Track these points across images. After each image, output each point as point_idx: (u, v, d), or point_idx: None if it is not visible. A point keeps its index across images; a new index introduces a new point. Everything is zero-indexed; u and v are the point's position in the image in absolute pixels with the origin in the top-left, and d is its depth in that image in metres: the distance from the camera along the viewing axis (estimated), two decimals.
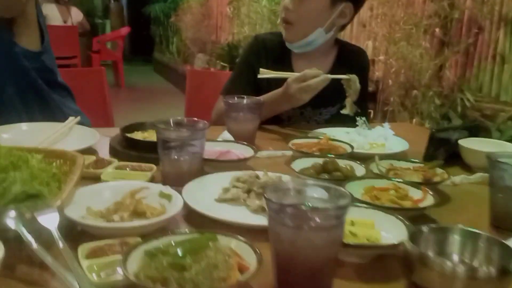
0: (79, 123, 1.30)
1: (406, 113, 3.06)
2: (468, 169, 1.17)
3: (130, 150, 1.08)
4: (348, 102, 1.36)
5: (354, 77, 1.37)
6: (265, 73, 1.41)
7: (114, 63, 7.72)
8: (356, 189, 0.88)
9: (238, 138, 1.20)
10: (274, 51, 1.58)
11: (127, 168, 0.97)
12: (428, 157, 1.16)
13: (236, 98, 1.29)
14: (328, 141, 1.19)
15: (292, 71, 1.55)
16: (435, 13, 2.99)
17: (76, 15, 7.01)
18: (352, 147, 1.15)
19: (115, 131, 1.21)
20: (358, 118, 1.35)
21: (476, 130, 1.25)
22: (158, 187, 0.82)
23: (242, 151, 1.10)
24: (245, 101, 1.28)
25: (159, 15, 9.36)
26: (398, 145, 1.27)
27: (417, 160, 1.07)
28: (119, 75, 7.65)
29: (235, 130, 1.23)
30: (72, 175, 0.77)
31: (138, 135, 1.17)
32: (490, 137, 2.49)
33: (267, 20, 5.09)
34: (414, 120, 3.01)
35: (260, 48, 1.59)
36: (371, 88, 3.29)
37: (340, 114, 1.54)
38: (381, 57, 3.30)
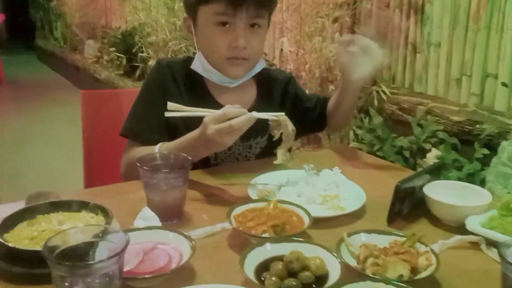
0: None
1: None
2: (436, 220, 1.01)
3: (11, 263, 0.76)
4: (281, 150, 1.11)
5: (284, 119, 1.11)
6: (174, 109, 1.10)
7: None
8: None
9: (163, 212, 0.93)
10: (184, 80, 1.31)
11: None
12: (393, 215, 0.99)
13: (154, 157, 1.01)
14: (277, 207, 0.95)
15: (216, 103, 1.29)
16: (344, 1, 2.86)
17: None
18: (308, 214, 0.93)
19: None
20: (305, 165, 1.13)
21: (436, 171, 1.10)
22: None
23: (172, 243, 0.83)
24: (168, 163, 1.00)
25: None
26: (353, 194, 1.08)
27: (390, 231, 0.89)
28: None
29: (158, 204, 0.95)
30: None
31: (23, 232, 0.84)
32: (412, 133, 2.45)
33: (163, 5, 4.69)
34: None
35: (166, 75, 1.30)
36: None
37: (271, 145, 1.32)
38: (292, 49, 3.12)
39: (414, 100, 2.60)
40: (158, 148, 1.14)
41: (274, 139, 1.13)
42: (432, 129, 2.33)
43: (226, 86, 1.30)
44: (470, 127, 2.29)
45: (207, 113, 1.07)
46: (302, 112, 1.42)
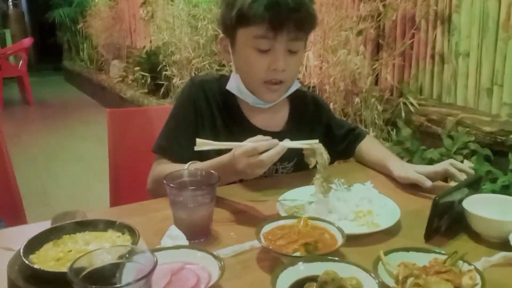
0: None
1: (349, 121, 2.88)
2: (476, 236, 0.96)
3: (38, 286, 0.75)
4: (317, 181, 1.05)
5: (318, 147, 1.06)
6: (202, 144, 1.06)
7: (19, 78, 6.96)
8: None
9: (190, 231, 0.91)
10: (217, 99, 1.29)
11: None
12: (431, 232, 0.93)
13: (181, 175, 0.99)
14: (308, 224, 0.92)
15: (248, 123, 1.28)
16: (368, 14, 2.82)
17: None
18: (341, 231, 0.89)
19: (22, 233, 0.86)
20: (335, 180, 1.09)
21: (475, 184, 1.04)
22: None
23: (200, 262, 0.80)
24: (195, 180, 0.98)
25: (64, 20, 8.62)
26: (387, 210, 1.04)
27: (430, 249, 0.84)
28: (26, 91, 6.93)
29: (185, 222, 0.92)
30: None
31: (49, 252, 0.82)
32: (442, 145, 2.38)
33: (187, 24, 4.74)
34: None
35: (199, 93, 1.28)
36: None
37: (297, 169, 1.30)
38: (316, 62, 3.09)
39: (443, 111, 2.53)
40: (187, 167, 1.12)
41: (310, 167, 1.08)
42: (464, 140, 2.26)
43: (260, 107, 1.28)
44: (503, 138, 2.20)
45: (236, 145, 1.04)
46: (331, 139, 1.38)
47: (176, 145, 1.23)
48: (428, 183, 1.17)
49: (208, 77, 1.36)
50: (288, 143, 1.04)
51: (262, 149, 1.00)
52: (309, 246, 0.85)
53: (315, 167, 1.06)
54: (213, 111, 1.27)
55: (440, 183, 1.26)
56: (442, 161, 2.27)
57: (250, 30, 1.16)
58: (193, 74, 4.51)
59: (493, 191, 1.91)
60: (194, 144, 1.14)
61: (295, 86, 1.30)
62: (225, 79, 1.31)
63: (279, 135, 1.14)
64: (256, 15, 1.13)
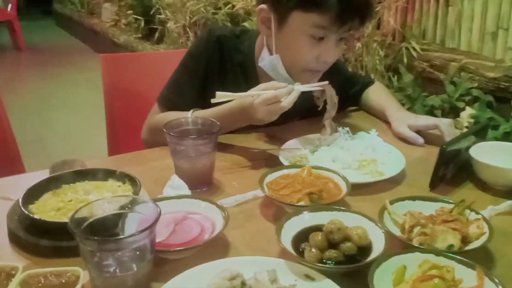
0: None
1: (350, 67, 2.82)
2: (482, 184, 0.95)
3: (38, 236, 0.73)
4: (327, 120, 1.09)
5: (328, 87, 1.09)
6: (222, 97, 1.03)
7: (9, 22, 6.73)
8: (385, 278, 0.62)
9: (192, 180, 0.89)
10: (232, 57, 1.21)
11: (39, 285, 0.63)
12: (437, 181, 0.92)
13: (181, 123, 0.96)
14: (312, 173, 0.90)
15: (257, 81, 1.20)
16: None
17: None
18: (346, 180, 0.87)
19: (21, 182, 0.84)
20: (340, 129, 1.07)
21: (482, 131, 1.02)
22: None
23: (203, 212, 0.78)
24: (195, 128, 0.95)
25: None
26: (391, 158, 1.02)
27: (437, 197, 0.83)
28: (16, 36, 6.71)
29: (187, 171, 0.90)
30: None
31: (49, 202, 0.81)
32: (444, 91, 2.34)
33: None
34: None
35: (215, 50, 1.20)
36: None
37: None
38: None
39: (447, 56, 2.47)
40: (190, 114, 1.09)
41: (319, 108, 1.11)
42: (466, 87, 2.22)
43: None
44: (506, 84, 2.16)
45: (254, 94, 1.03)
46: (344, 96, 1.30)
47: (184, 96, 1.19)
48: (420, 141, 1.15)
49: (227, 31, 1.25)
50: (301, 87, 1.05)
51: (282, 96, 1.00)
52: (313, 195, 0.83)
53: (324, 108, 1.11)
54: (226, 68, 1.21)
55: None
56: (444, 108, 2.25)
57: (311, 17, 1.04)
58: (188, 18, 4.35)
59: (495, 138, 1.90)
60: (203, 96, 1.12)
61: None
62: (246, 36, 1.24)
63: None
64: (324, 3, 1.02)
